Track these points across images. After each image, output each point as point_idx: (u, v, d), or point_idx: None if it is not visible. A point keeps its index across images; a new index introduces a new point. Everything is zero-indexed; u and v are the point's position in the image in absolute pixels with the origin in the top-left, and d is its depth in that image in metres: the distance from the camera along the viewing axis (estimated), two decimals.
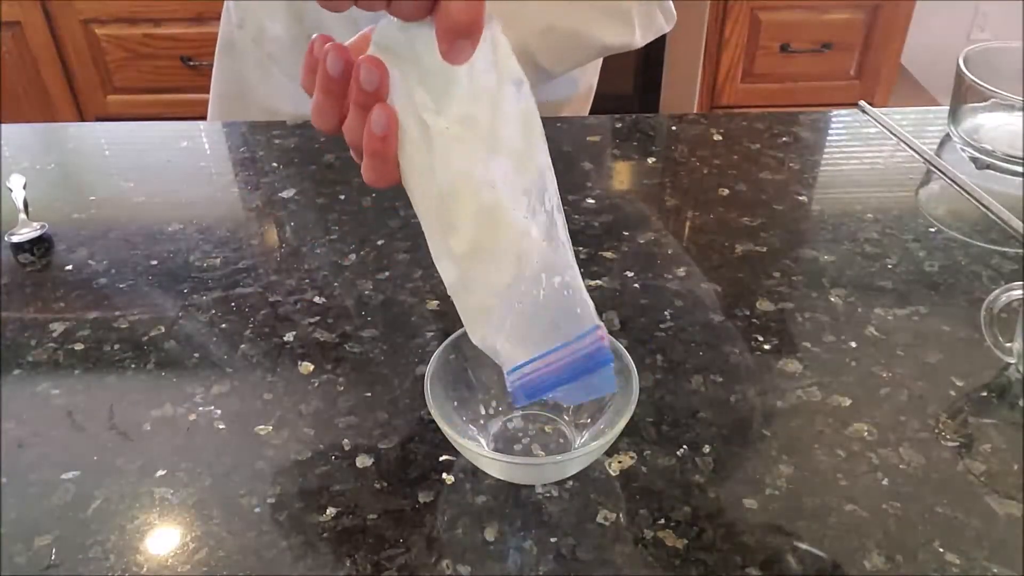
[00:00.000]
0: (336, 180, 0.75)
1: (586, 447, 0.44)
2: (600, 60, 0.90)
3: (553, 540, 0.44)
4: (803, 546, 0.44)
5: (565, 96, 0.89)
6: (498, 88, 0.37)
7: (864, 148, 0.81)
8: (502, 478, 0.47)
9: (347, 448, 0.49)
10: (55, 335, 0.58)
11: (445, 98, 0.37)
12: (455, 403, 0.48)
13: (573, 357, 0.42)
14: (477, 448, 0.44)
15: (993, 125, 0.79)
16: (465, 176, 0.38)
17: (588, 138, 0.81)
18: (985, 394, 0.53)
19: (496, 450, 0.49)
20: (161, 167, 0.78)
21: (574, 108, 0.91)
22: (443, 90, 0.37)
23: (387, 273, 0.64)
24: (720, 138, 0.82)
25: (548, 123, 0.82)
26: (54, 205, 0.72)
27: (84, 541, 0.44)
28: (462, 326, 0.43)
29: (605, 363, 0.42)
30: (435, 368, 0.47)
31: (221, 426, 0.51)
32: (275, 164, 0.78)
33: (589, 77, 0.91)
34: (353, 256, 0.66)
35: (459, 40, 0.35)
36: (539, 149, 0.39)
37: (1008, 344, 0.54)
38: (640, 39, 0.71)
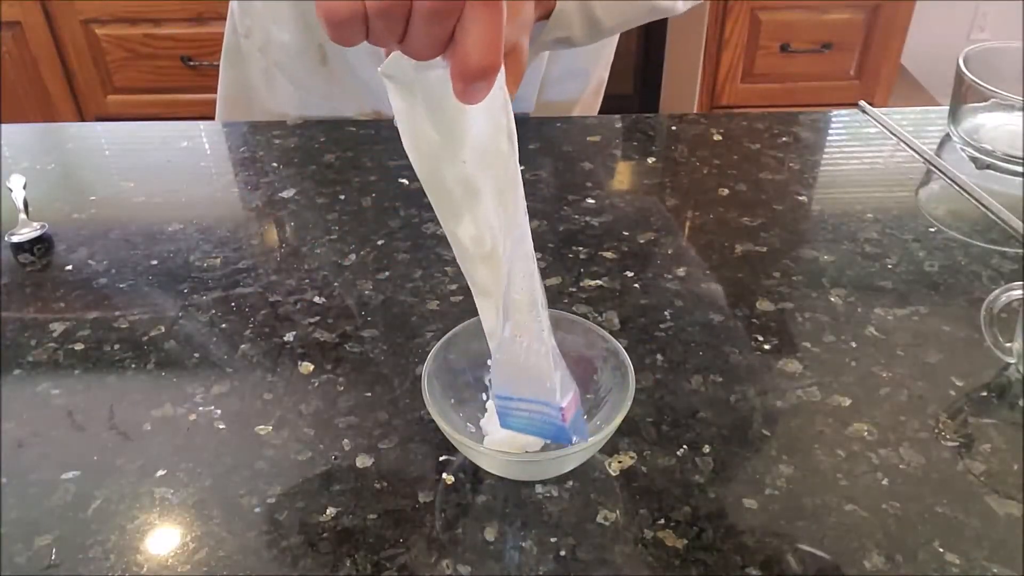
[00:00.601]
0: (336, 180, 0.75)
1: (583, 443, 0.44)
2: (611, 54, 0.92)
3: (553, 540, 0.44)
4: (803, 546, 0.44)
5: (577, 94, 0.90)
6: (507, 127, 0.37)
7: (864, 148, 0.81)
8: (500, 475, 0.47)
9: (347, 448, 0.49)
10: (55, 335, 0.58)
11: (456, 137, 0.36)
12: (452, 400, 0.48)
13: (542, 416, 0.44)
14: (475, 444, 0.44)
15: (993, 125, 0.79)
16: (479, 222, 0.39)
17: (588, 138, 0.81)
18: (985, 394, 0.53)
19: None
20: (161, 167, 0.78)
21: (585, 106, 0.92)
22: (451, 128, 0.36)
23: (387, 273, 0.64)
24: (720, 138, 0.82)
25: (549, 123, 0.83)
26: (54, 205, 0.72)
27: (84, 541, 0.44)
28: (460, 324, 0.44)
29: (565, 443, 0.45)
30: (433, 366, 0.47)
31: (221, 426, 0.51)
32: (275, 164, 0.77)
33: (600, 71, 0.92)
34: (353, 256, 0.66)
35: (476, 82, 0.33)
36: (523, 215, 0.39)
37: (1008, 344, 0.54)
38: (682, 6, 0.75)
